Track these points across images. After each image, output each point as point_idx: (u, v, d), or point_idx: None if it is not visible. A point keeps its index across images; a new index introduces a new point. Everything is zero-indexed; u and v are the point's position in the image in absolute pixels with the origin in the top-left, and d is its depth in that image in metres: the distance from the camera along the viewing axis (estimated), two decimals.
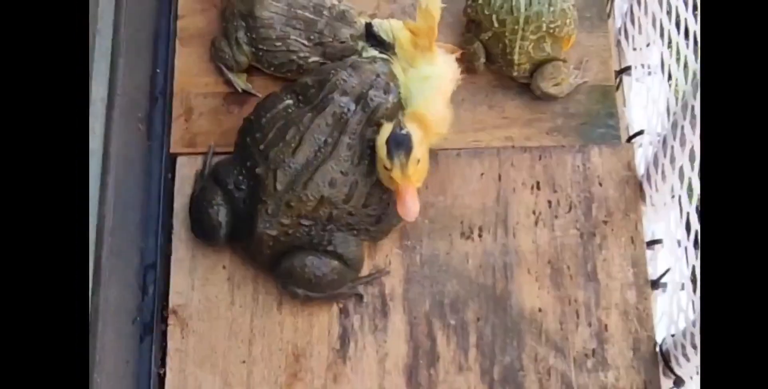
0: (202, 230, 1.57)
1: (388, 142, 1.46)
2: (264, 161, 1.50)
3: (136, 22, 1.66)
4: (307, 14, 1.64)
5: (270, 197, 1.49)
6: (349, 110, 1.51)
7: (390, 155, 1.45)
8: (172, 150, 1.68)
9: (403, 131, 1.46)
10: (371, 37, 1.64)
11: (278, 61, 1.65)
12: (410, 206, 1.46)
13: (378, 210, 1.53)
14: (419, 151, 1.47)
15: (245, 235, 1.53)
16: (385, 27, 1.63)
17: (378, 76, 1.54)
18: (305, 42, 1.64)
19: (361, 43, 1.64)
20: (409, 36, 1.59)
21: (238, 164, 1.55)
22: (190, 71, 1.73)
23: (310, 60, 1.64)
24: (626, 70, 1.75)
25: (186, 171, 1.66)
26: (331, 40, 1.63)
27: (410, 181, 1.47)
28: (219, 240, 1.56)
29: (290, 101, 1.53)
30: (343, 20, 1.64)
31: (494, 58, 1.70)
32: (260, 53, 1.66)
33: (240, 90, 1.70)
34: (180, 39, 1.76)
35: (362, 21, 1.66)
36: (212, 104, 1.71)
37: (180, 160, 1.67)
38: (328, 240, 1.51)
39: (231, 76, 1.70)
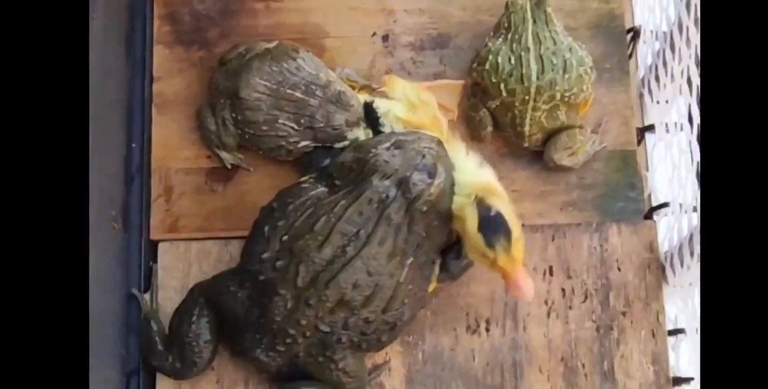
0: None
1: (481, 229, 1.30)
2: (287, 254, 1.34)
3: (106, 89, 1.50)
4: (298, 94, 1.47)
5: (289, 292, 1.34)
6: (387, 196, 1.32)
7: (490, 243, 1.30)
8: (152, 236, 1.55)
9: (492, 212, 1.31)
10: (371, 119, 1.48)
11: (266, 145, 1.50)
12: (527, 289, 1.32)
13: (396, 316, 1.37)
14: (516, 227, 1.32)
15: (245, 339, 1.40)
16: (388, 115, 1.48)
17: (424, 156, 1.34)
18: (294, 126, 1.47)
19: (356, 132, 1.48)
20: (413, 125, 1.44)
21: (238, 271, 1.42)
22: (169, 144, 1.58)
23: (300, 145, 1.49)
24: (649, 128, 1.59)
25: (169, 260, 1.53)
26: (323, 125, 1.47)
27: (518, 263, 1.32)
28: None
29: (324, 189, 1.37)
30: (338, 103, 1.46)
31: (503, 127, 1.54)
32: (247, 136, 1.50)
33: (228, 166, 1.55)
34: (156, 105, 1.60)
35: (360, 101, 1.49)
36: (194, 181, 1.57)
37: (162, 246, 1.54)
38: (340, 358, 1.37)
39: (218, 151, 1.55)
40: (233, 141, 1.52)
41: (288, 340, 1.37)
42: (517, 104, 1.49)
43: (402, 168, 1.33)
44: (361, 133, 1.48)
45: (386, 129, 1.46)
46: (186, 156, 1.58)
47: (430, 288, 1.42)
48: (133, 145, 1.57)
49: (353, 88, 1.53)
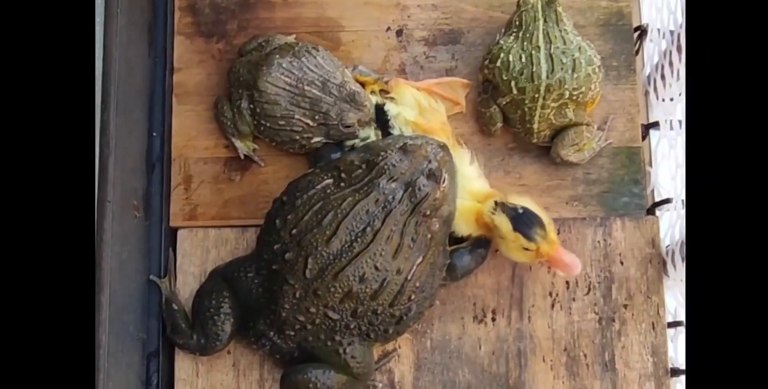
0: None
1: (516, 228, 1.43)
2: (295, 246, 1.40)
3: (128, 78, 1.54)
4: (314, 91, 1.51)
5: (298, 282, 1.41)
6: (394, 197, 1.39)
7: (529, 237, 1.43)
8: (172, 224, 1.60)
9: (519, 209, 1.43)
10: (381, 122, 1.53)
11: (280, 138, 1.55)
12: (573, 262, 1.44)
13: (403, 310, 1.43)
14: (543, 215, 1.45)
15: (258, 322, 1.47)
16: (398, 118, 1.54)
17: (430, 162, 1.41)
18: (309, 121, 1.52)
19: (367, 132, 1.54)
20: (422, 129, 1.50)
21: (254, 257, 1.49)
22: (189, 133, 1.63)
23: (313, 141, 1.54)
24: (654, 125, 1.63)
25: (187, 246, 1.59)
26: (336, 123, 1.52)
27: (557, 243, 1.44)
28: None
29: (330, 180, 1.42)
30: (352, 102, 1.51)
31: (512, 123, 1.58)
32: (262, 127, 1.55)
33: (242, 156, 1.60)
34: (176, 95, 1.65)
35: (373, 102, 1.55)
36: (212, 170, 1.62)
37: (181, 233, 1.60)
38: (348, 343, 1.44)
39: (233, 140, 1.60)
40: (248, 129, 1.57)
41: (297, 326, 1.44)
42: (527, 101, 1.53)
43: (409, 172, 1.40)
44: (372, 133, 1.54)
45: (395, 131, 1.53)
46: (205, 146, 1.63)
47: None
48: (154, 134, 1.62)
49: (364, 85, 1.58)
